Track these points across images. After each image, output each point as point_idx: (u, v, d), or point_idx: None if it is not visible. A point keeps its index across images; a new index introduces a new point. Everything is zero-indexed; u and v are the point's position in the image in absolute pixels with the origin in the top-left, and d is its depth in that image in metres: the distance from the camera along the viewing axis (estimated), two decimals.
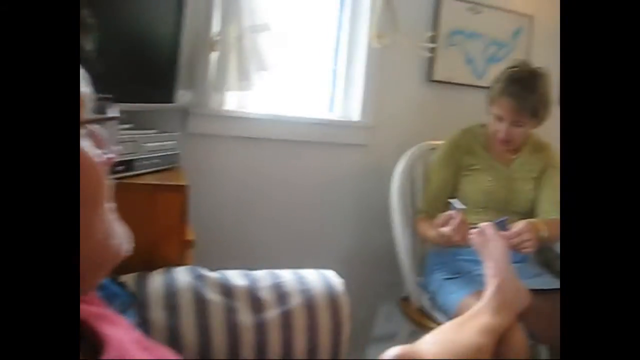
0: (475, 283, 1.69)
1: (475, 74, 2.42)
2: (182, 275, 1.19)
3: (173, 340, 1.06)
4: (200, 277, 1.19)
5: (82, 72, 0.49)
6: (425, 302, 1.90)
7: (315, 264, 1.39)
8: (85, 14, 0.47)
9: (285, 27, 2.11)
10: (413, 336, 1.83)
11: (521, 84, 1.78)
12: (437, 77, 2.32)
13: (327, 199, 2.20)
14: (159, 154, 1.44)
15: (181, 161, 1.59)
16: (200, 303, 1.11)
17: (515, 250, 1.58)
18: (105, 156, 0.51)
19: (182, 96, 1.74)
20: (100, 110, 0.52)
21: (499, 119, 1.84)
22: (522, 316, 1.50)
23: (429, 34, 2.25)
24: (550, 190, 1.92)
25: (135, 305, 1.00)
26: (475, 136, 1.97)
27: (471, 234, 1.55)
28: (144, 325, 1.05)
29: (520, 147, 1.95)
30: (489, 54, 2.44)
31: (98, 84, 0.52)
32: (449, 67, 2.35)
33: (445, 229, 1.61)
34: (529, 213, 1.90)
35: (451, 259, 1.85)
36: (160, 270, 1.21)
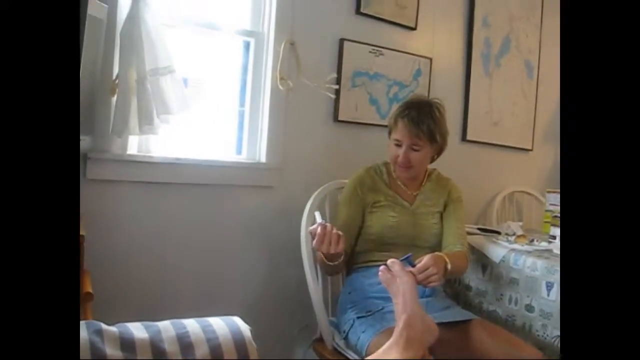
0: (385, 320, 1.71)
1: (379, 114, 2.49)
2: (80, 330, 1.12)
3: None
4: (98, 332, 1.12)
5: None
6: (339, 342, 1.89)
7: (224, 310, 1.36)
8: None
9: (193, 70, 2.10)
10: None
11: (417, 109, 1.88)
12: (342, 117, 2.37)
13: (235, 242, 2.17)
14: None
15: (80, 209, 1.52)
16: None
17: (422, 285, 1.61)
18: None
19: (81, 141, 1.67)
20: None
21: (398, 144, 1.91)
22: (433, 349, 1.53)
23: (333, 75, 2.30)
24: (452, 224, 1.99)
25: None
26: (378, 173, 2.02)
27: (380, 271, 1.57)
28: None
29: (421, 180, 2.02)
30: (392, 94, 2.54)
31: None
32: (353, 107, 2.41)
33: (314, 244, 1.64)
34: (436, 247, 1.96)
35: (362, 297, 1.86)
36: None
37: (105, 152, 1.83)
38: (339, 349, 1.88)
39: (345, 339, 1.85)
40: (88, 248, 1.28)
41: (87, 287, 1.31)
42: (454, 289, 2.28)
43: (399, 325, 1.44)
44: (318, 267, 2.02)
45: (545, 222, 2.54)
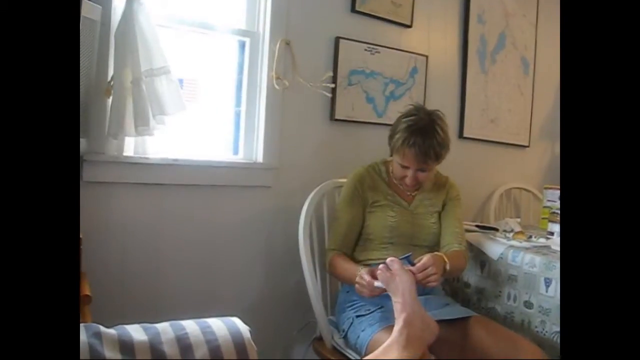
0: (385, 319, 1.71)
1: (376, 112, 2.49)
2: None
3: None
4: (96, 335, 1.12)
5: None
6: (339, 341, 1.89)
7: (222, 310, 1.35)
8: None
9: (188, 70, 2.09)
10: None
11: (422, 134, 1.83)
12: (338, 116, 2.37)
13: (233, 242, 2.16)
14: None
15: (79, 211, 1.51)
16: None
17: (421, 284, 1.61)
18: None
19: None
20: None
21: (404, 167, 1.89)
22: (433, 347, 1.53)
23: (329, 74, 2.30)
24: (450, 223, 1.98)
25: None
26: (378, 172, 2.02)
27: (379, 269, 1.57)
28: None
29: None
30: (388, 92, 2.53)
31: None
32: (350, 106, 2.40)
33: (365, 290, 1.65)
34: (434, 246, 1.96)
35: (360, 296, 1.86)
36: None
37: (101, 154, 1.82)
38: (338, 348, 1.88)
39: (345, 337, 1.85)
40: (85, 251, 1.28)
41: (85, 289, 1.31)
42: (452, 286, 2.28)
43: (399, 323, 1.44)
44: (316, 267, 2.02)
45: (543, 218, 2.55)
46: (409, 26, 2.59)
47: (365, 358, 1.44)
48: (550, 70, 3.27)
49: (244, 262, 2.20)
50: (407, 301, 1.47)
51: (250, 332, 1.21)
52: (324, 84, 2.28)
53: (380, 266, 1.57)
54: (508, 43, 3.08)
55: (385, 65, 2.51)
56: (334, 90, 2.33)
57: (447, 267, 1.73)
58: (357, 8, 2.40)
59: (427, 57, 2.67)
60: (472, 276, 2.19)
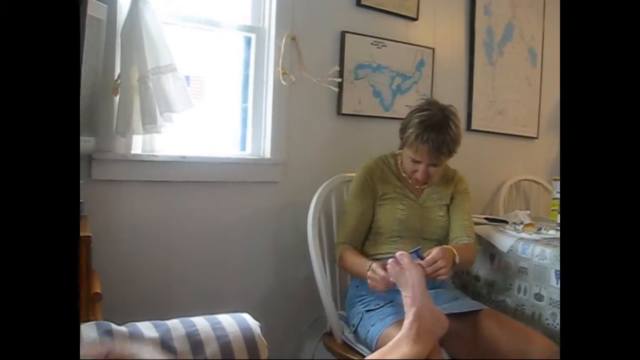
0: (395, 313, 1.70)
1: (383, 106, 2.48)
2: (89, 331, 1.12)
3: None
4: (108, 332, 1.13)
5: None
6: (349, 336, 1.89)
7: (232, 307, 1.36)
8: None
9: (194, 67, 2.09)
10: None
11: (435, 130, 1.81)
12: (345, 110, 2.36)
13: (242, 238, 2.17)
14: None
15: (85, 210, 1.52)
16: None
17: (430, 278, 1.61)
18: None
19: (85, 142, 1.67)
20: None
21: (416, 161, 1.88)
22: (443, 340, 1.52)
23: (336, 68, 2.29)
24: (459, 216, 1.98)
25: None
26: (387, 165, 2.02)
27: (388, 264, 1.57)
28: None
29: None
30: (395, 86, 2.52)
31: None
32: (356, 100, 2.40)
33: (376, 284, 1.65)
34: (443, 240, 1.95)
35: (370, 290, 1.86)
36: None
37: (110, 153, 1.83)
38: (348, 342, 1.88)
39: (355, 332, 1.85)
40: (95, 249, 1.28)
41: (96, 287, 1.31)
42: (462, 279, 2.27)
43: (409, 317, 1.44)
44: (326, 262, 2.02)
45: (553, 210, 2.53)
46: (415, 19, 2.58)
47: (377, 352, 1.44)
48: (557, 61, 3.24)
49: (252, 258, 2.20)
50: (417, 295, 1.47)
51: (260, 327, 1.21)
52: (330, 79, 2.27)
53: (390, 260, 1.57)
54: (515, 34, 3.06)
55: (392, 58, 2.50)
56: (340, 85, 2.32)
57: (457, 260, 1.73)
58: (363, 2, 2.39)
59: (433, 49, 2.66)
60: (482, 269, 2.18)
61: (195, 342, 1.14)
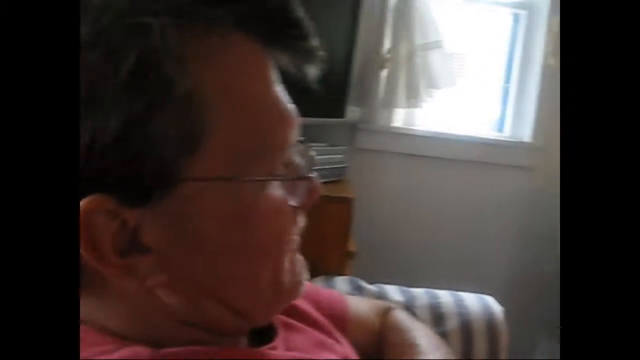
0: None
1: None
2: (342, 284, 1.23)
3: None
4: (358, 289, 1.22)
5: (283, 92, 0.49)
6: None
7: (474, 287, 1.36)
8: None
9: (457, 43, 2.09)
10: None
11: None
12: None
13: (490, 221, 2.13)
14: (328, 167, 1.51)
15: (348, 174, 1.65)
16: None
17: None
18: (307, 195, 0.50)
19: (352, 112, 1.80)
20: None
21: None
22: None
23: None
24: None
25: None
26: None
27: None
28: None
29: None
30: None
31: None
32: None
33: None
34: None
35: None
36: (320, 278, 1.26)
37: (373, 123, 1.95)
38: None
39: None
40: (356, 210, 1.39)
41: (351, 245, 1.43)
42: None
43: None
44: None
45: None
46: None
47: None
48: None
49: (499, 243, 2.15)
50: None
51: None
52: None
53: None
54: None
55: None
56: None
57: None
58: None
59: None
60: None
61: (436, 315, 1.17)
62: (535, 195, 2.14)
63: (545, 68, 2.05)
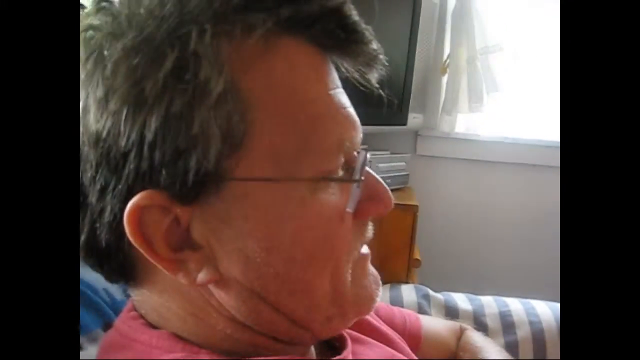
0: None
1: None
2: (408, 292, 1.23)
3: None
4: (425, 297, 1.22)
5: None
6: None
7: (544, 295, 1.32)
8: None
9: (518, 46, 2.05)
10: None
11: None
12: None
13: (557, 226, 2.06)
14: (391, 174, 1.51)
15: (410, 182, 1.65)
16: None
17: None
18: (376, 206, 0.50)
19: (414, 119, 1.80)
20: None
21: None
22: None
23: None
24: None
25: None
26: None
27: None
28: None
29: None
30: None
31: None
32: None
33: None
34: None
35: None
36: (386, 286, 1.26)
37: (434, 130, 1.94)
38: None
39: None
40: (420, 217, 1.38)
41: (415, 254, 1.42)
42: None
43: None
44: None
45: None
46: None
47: None
48: None
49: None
50: None
51: None
52: None
53: None
54: None
55: None
56: None
57: None
58: None
59: None
60: None
61: (507, 323, 1.15)
62: None
63: None
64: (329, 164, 0.45)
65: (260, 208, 0.43)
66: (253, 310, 0.46)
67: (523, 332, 1.13)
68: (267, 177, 0.43)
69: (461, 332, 0.87)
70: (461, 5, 1.83)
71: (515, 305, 1.18)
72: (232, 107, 0.41)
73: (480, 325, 1.15)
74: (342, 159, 0.46)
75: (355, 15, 0.45)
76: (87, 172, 0.43)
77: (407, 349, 0.69)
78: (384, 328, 0.69)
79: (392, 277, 1.30)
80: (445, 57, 1.90)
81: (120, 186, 0.42)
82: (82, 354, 0.62)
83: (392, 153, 1.63)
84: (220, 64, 0.41)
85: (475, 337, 0.85)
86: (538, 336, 1.12)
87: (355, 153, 0.48)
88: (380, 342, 0.65)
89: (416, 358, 0.68)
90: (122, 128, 0.40)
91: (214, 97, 0.40)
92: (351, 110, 0.48)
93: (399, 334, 0.71)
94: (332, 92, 0.46)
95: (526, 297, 1.23)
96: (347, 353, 0.55)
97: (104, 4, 0.44)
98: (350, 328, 0.57)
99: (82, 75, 0.42)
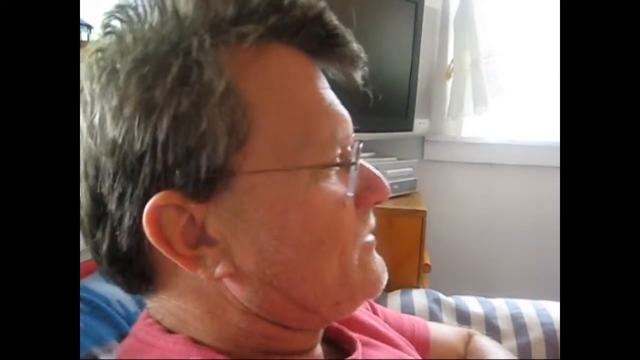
0: None
1: None
2: (419, 297, 1.23)
3: None
4: (436, 301, 1.22)
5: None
6: None
7: (555, 298, 1.32)
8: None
9: (520, 50, 2.05)
10: None
11: None
12: None
13: None
14: (399, 180, 1.52)
15: (418, 187, 1.65)
16: None
17: None
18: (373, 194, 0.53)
19: (420, 124, 1.81)
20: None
21: None
22: None
23: None
24: None
25: None
26: None
27: None
28: None
29: None
30: None
31: None
32: None
33: None
34: None
35: None
36: (397, 291, 1.26)
37: (440, 135, 1.94)
38: None
39: None
40: (429, 222, 1.39)
41: (426, 258, 1.42)
42: None
43: None
44: None
45: None
46: None
47: None
48: None
49: None
50: None
51: None
52: None
53: None
54: None
55: None
56: None
57: None
58: None
59: None
60: None
61: (519, 325, 1.14)
62: None
63: None
64: (327, 155, 0.49)
65: (268, 198, 0.46)
66: (265, 300, 0.48)
67: (535, 334, 1.13)
68: (269, 169, 0.46)
69: (469, 337, 0.88)
70: (463, 11, 1.84)
71: (527, 307, 1.18)
72: (235, 105, 0.45)
73: (492, 328, 1.15)
74: (339, 151, 0.50)
75: (335, 20, 0.49)
76: (105, 182, 0.46)
77: (416, 354, 0.70)
78: (392, 334, 0.70)
79: (403, 282, 1.30)
80: (449, 62, 1.91)
81: (137, 191, 0.44)
82: None
83: (399, 159, 1.64)
84: (220, 68, 0.44)
85: (483, 341, 0.86)
86: (550, 338, 1.11)
87: (349, 148, 0.52)
88: (390, 346, 0.66)
89: None
90: (136, 133, 0.43)
91: (217, 95, 0.44)
92: (340, 106, 0.52)
93: (408, 340, 0.72)
94: (322, 90, 0.50)
95: (538, 299, 1.23)
96: (358, 354, 0.57)
97: (109, 29, 0.48)
98: (359, 334, 0.58)
99: (97, 89, 0.45)
